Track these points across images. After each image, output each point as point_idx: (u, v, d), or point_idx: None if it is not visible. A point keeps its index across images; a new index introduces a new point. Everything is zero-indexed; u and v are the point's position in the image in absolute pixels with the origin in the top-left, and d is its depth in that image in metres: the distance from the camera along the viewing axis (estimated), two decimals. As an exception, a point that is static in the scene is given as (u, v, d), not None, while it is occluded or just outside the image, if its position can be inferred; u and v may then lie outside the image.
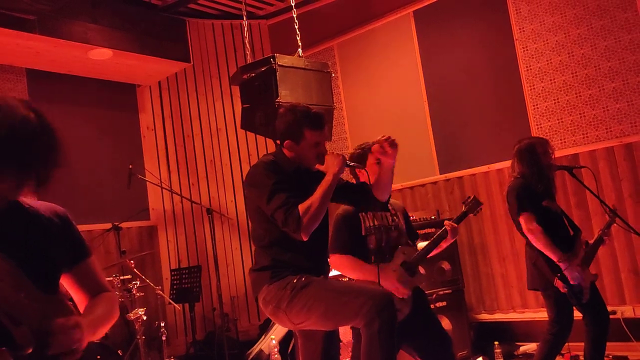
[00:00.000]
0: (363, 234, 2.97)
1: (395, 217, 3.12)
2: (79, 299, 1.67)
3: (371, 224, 2.98)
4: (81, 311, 1.62)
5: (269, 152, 2.88)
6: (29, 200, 1.59)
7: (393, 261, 2.93)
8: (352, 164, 2.67)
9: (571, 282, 3.25)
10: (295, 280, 2.46)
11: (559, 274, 3.26)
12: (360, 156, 3.07)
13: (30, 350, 1.34)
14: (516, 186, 3.43)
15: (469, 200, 3.24)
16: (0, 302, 1.32)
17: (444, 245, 3.11)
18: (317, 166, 2.66)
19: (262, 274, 2.58)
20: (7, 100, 1.45)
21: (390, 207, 3.14)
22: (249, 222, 6.46)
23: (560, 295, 3.29)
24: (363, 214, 3.01)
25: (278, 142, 2.71)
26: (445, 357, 2.91)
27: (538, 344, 3.47)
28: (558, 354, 3.43)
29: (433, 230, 4.72)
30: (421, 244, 3.21)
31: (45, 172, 1.48)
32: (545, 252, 3.30)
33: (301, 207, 2.38)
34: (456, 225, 3.08)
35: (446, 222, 3.10)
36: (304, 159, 2.64)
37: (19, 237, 1.48)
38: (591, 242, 3.56)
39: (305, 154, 2.61)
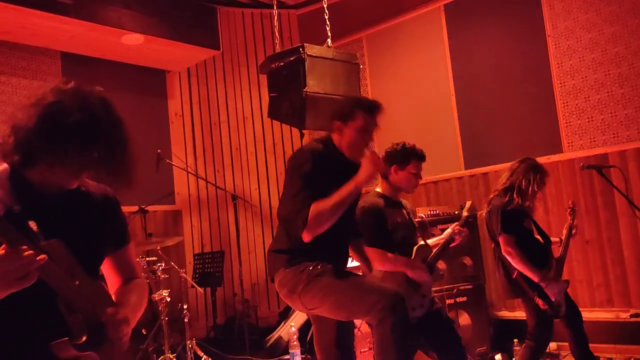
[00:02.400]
0: (390, 229, 3.01)
1: (409, 215, 3.21)
2: (112, 282, 1.71)
3: (397, 220, 3.05)
4: (111, 292, 1.66)
5: (312, 139, 2.83)
6: (82, 180, 1.60)
7: (415, 258, 3.03)
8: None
9: (552, 299, 3.30)
10: (311, 268, 2.45)
11: (538, 292, 3.30)
12: (399, 154, 3.13)
13: (83, 339, 1.37)
14: (503, 205, 3.38)
15: (467, 206, 3.35)
16: (59, 290, 1.34)
17: (451, 245, 3.23)
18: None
19: (279, 257, 2.58)
20: (85, 90, 1.48)
21: (403, 205, 3.24)
22: (272, 210, 6.55)
23: (541, 309, 3.32)
24: (389, 209, 3.06)
25: (304, 131, 2.74)
26: (460, 356, 2.97)
27: (525, 345, 3.49)
28: (541, 356, 3.50)
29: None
30: (430, 240, 3.31)
31: (111, 163, 1.50)
32: (524, 272, 3.32)
33: (313, 208, 2.34)
34: (462, 229, 3.19)
35: (454, 225, 3.22)
36: (349, 146, 2.57)
37: (73, 221, 1.50)
38: (556, 239, 3.63)
39: (351, 138, 2.55)
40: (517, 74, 5.17)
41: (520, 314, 5.10)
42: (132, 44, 5.48)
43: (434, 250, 3.13)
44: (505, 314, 5.19)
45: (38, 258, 1.21)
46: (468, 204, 3.32)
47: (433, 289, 4.42)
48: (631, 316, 4.26)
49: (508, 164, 5.10)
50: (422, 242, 3.17)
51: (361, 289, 2.44)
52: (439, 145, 5.63)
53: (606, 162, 4.56)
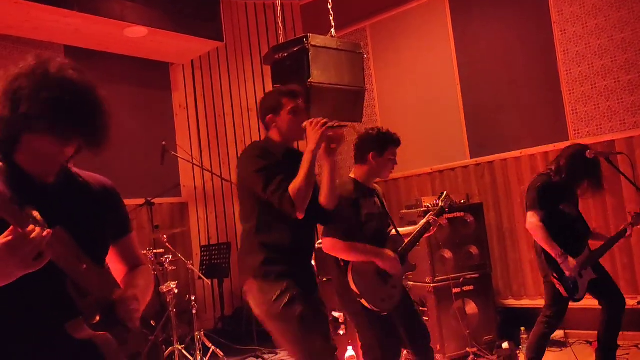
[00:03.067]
0: (363, 220, 2.98)
1: (380, 203, 3.17)
2: (118, 270, 1.73)
3: (369, 211, 3.02)
4: (118, 281, 1.67)
5: (249, 144, 2.91)
6: (79, 171, 1.62)
7: (386, 248, 3.00)
8: (335, 124, 2.52)
9: (566, 274, 3.33)
10: (279, 294, 2.47)
11: (554, 268, 3.35)
12: (376, 140, 3.12)
13: (97, 320, 1.40)
14: (541, 183, 3.47)
15: (443, 197, 3.28)
16: (69, 272, 1.36)
17: (425, 236, 3.19)
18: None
19: (249, 263, 2.59)
20: (51, 60, 1.44)
21: (376, 192, 3.20)
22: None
23: (556, 288, 3.38)
24: (361, 200, 3.02)
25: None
26: (428, 353, 3.07)
27: (562, 330, 3.55)
28: (551, 335, 3.55)
29: (462, 214, 4.71)
30: (404, 229, 3.29)
31: (94, 133, 1.46)
32: (544, 247, 3.39)
33: (291, 190, 2.43)
34: (437, 219, 3.13)
35: (429, 215, 3.17)
36: (288, 131, 2.63)
37: (73, 209, 1.51)
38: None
39: (287, 123, 2.61)
40: (522, 62, 5.14)
41: (527, 302, 5.11)
42: (135, 37, 5.47)
43: (407, 241, 3.07)
44: (512, 302, 5.20)
45: (44, 234, 1.23)
46: (444, 194, 3.27)
47: (439, 278, 4.47)
48: (638, 303, 4.26)
49: (514, 153, 5.14)
50: (394, 232, 3.13)
51: (309, 353, 2.50)
52: (445, 134, 5.61)
53: (613, 149, 4.54)
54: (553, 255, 3.35)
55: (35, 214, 1.27)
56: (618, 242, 3.59)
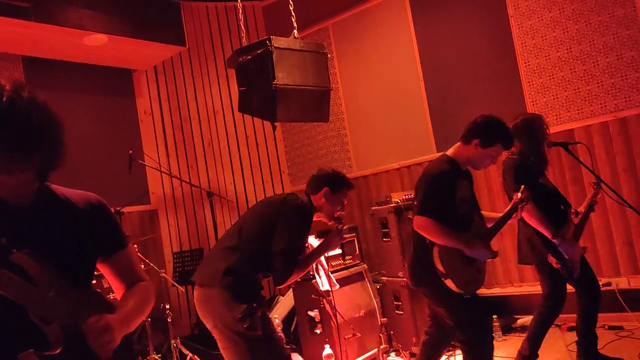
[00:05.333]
0: (457, 202, 2.86)
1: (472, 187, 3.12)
2: (116, 287, 1.67)
3: (464, 194, 2.89)
4: (118, 298, 1.63)
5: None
6: (62, 189, 1.56)
7: (472, 232, 2.86)
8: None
9: (565, 257, 3.33)
10: (242, 317, 2.59)
11: (551, 250, 3.34)
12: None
13: (60, 349, 1.34)
14: (513, 164, 3.46)
15: (521, 190, 3.23)
16: (24, 303, 1.32)
17: (510, 222, 3.10)
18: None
19: (218, 271, 2.70)
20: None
21: (471, 176, 3.15)
22: (248, 204, 6.53)
23: (554, 270, 3.36)
24: (459, 180, 2.91)
25: (276, 124, 2.91)
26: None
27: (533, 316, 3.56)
28: (551, 325, 3.51)
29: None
30: (485, 213, 3.17)
31: (49, 154, 1.42)
32: (538, 229, 3.37)
33: (296, 272, 2.85)
34: (523, 204, 3.04)
35: (515, 195, 3.05)
36: (326, 212, 3.02)
37: (51, 231, 1.46)
38: (580, 209, 3.62)
39: (330, 208, 3.01)
40: (482, 55, 5.25)
41: (498, 291, 5.24)
42: (95, 45, 5.38)
43: (494, 224, 3.00)
44: (484, 291, 5.31)
45: None
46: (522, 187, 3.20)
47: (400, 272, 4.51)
48: (603, 285, 4.39)
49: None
50: (478, 217, 3.01)
51: None
52: (410, 130, 5.70)
53: (572, 137, 4.68)
54: (549, 236, 3.31)
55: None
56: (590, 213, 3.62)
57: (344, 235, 2.99)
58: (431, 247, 2.82)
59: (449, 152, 3.07)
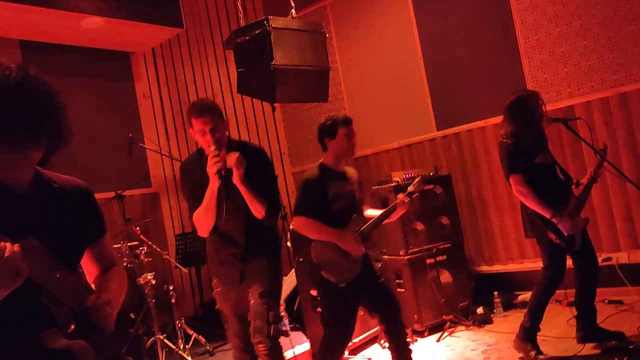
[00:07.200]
0: (329, 199, 3.17)
1: (351, 186, 3.32)
2: (90, 272, 1.72)
3: (336, 191, 3.20)
4: (90, 283, 1.67)
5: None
6: (50, 173, 1.58)
7: (349, 227, 3.19)
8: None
9: (565, 234, 3.35)
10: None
11: (551, 227, 3.36)
12: (330, 127, 3.26)
13: (72, 328, 1.41)
14: (507, 149, 3.47)
15: (416, 181, 3.37)
16: (42, 284, 1.36)
17: (394, 216, 3.35)
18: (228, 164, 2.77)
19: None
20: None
21: (347, 176, 3.34)
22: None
23: (554, 243, 3.39)
24: (329, 181, 3.20)
25: (275, 105, 2.94)
26: (393, 315, 3.21)
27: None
28: (551, 297, 3.55)
29: (432, 187, 4.79)
30: (370, 212, 3.40)
31: (54, 136, 1.43)
32: (536, 210, 3.40)
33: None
34: (407, 200, 3.28)
35: (399, 195, 3.32)
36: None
37: (49, 218, 1.49)
38: (583, 181, 3.61)
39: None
40: (482, 32, 5.21)
41: (499, 267, 5.28)
42: (92, 28, 5.34)
43: (373, 219, 3.26)
44: (485, 268, 5.36)
45: (16, 249, 1.22)
46: (417, 180, 3.36)
47: (412, 250, 4.57)
48: (603, 260, 4.43)
49: (479, 123, 5.24)
50: (356, 214, 3.28)
51: None
52: (410, 109, 5.68)
53: (572, 114, 4.66)
54: (548, 217, 3.34)
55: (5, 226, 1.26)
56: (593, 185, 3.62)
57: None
58: (311, 242, 3.18)
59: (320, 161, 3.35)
